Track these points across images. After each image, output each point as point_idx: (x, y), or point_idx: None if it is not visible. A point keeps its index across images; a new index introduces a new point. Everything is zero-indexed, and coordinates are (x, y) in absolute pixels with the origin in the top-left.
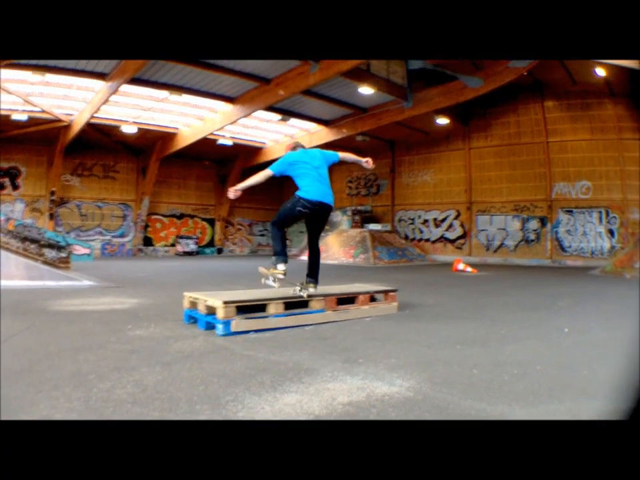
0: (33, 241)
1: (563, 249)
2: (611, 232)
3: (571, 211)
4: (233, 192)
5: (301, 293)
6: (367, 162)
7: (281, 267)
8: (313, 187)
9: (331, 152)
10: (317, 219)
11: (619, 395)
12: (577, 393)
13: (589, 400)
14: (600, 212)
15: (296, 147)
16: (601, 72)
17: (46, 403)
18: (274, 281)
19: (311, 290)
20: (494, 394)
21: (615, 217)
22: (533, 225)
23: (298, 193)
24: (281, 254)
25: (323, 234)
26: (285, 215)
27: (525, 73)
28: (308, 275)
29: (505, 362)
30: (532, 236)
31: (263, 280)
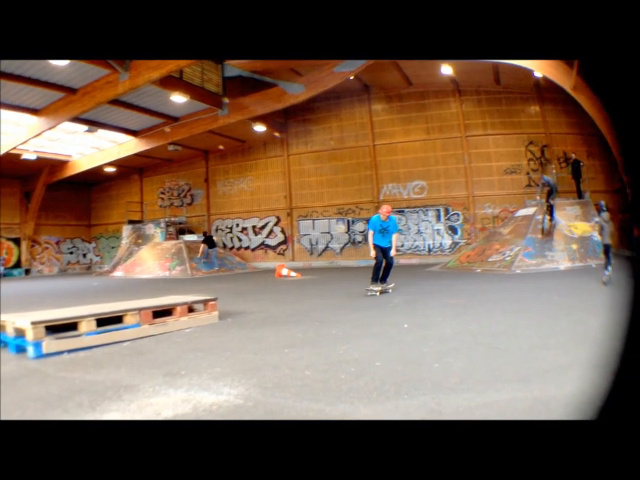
0: None
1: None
2: (453, 229)
3: (402, 211)
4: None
5: (373, 288)
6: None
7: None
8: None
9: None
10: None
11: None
12: (429, 387)
13: (447, 395)
14: (438, 210)
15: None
16: (447, 70)
17: None
18: (377, 292)
19: (388, 287)
20: (332, 393)
21: (457, 214)
22: (360, 226)
23: None
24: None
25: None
26: None
27: (352, 78)
28: (381, 279)
29: (339, 361)
30: (359, 237)
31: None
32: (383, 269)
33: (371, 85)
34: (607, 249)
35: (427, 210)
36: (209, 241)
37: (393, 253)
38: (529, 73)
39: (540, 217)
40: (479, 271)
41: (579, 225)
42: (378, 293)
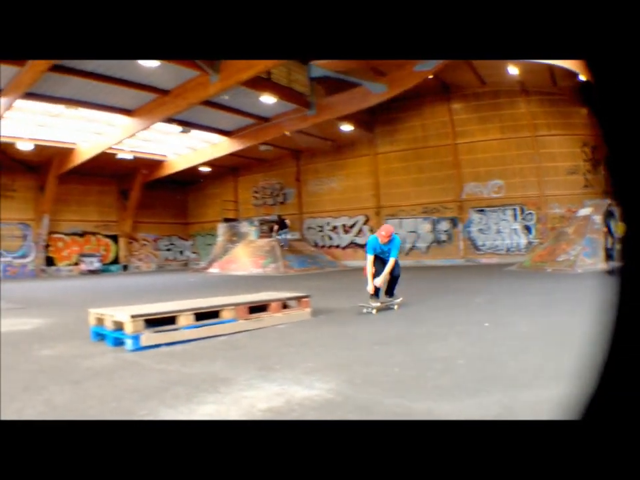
0: None
1: (476, 247)
2: (527, 228)
3: (483, 210)
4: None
5: (371, 304)
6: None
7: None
8: None
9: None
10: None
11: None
12: (506, 384)
13: (520, 391)
14: (514, 209)
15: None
16: (513, 71)
17: None
18: (373, 310)
19: (394, 302)
20: (418, 390)
21: (531, 213)
22: (444, 226)
23: None
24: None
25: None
26: None
27: (431, 77)
28: (387, 293)
29: (426, 359)
30: (443, 237)
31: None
32: (388, 282)
33: (449, 83)
34: None
35: (504, 209)
36: (281, 224)
37: (379, 282)
38: (574, 75)
39: (596, 217)
40: (549, 270)
41: (619, 225)
42: (375, 311)
